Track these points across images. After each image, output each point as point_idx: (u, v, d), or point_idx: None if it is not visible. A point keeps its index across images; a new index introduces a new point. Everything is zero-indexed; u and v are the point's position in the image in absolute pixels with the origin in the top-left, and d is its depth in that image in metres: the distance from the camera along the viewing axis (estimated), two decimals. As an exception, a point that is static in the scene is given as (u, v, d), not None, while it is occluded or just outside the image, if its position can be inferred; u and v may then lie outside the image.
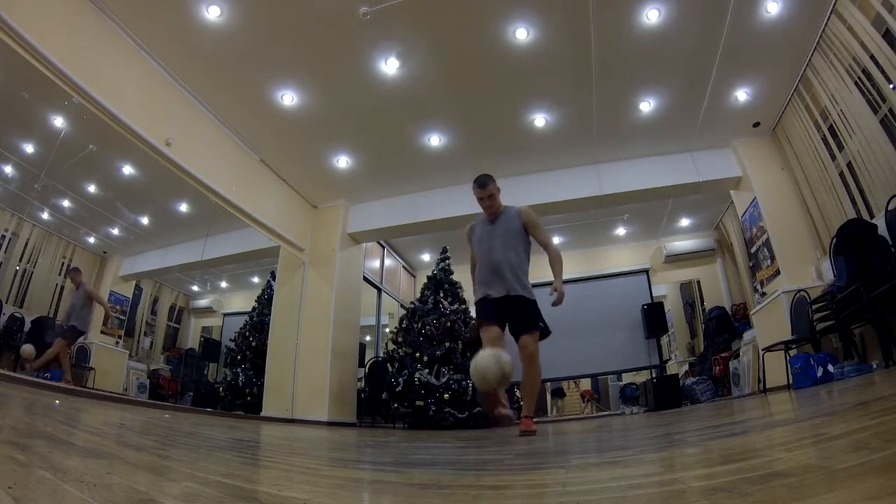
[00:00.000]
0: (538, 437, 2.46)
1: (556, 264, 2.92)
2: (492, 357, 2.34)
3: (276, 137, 5.37)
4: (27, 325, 5.04)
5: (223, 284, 8.17)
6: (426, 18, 3.94)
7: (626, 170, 5.88)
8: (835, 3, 3.91)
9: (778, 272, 5.03)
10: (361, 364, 6.76)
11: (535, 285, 3.00)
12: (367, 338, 7.90)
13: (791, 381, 4.06)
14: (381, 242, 7.82)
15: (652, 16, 3.94)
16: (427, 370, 5.47)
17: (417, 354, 5.60)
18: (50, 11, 3.37)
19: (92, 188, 5.51)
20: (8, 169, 4.65)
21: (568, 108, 5.05)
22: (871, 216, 3.97)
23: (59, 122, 4.42)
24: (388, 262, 8.19)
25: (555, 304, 2.81)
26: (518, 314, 2.85)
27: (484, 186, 2.99)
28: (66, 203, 5.46)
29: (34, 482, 0.65)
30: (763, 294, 5.39)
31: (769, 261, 5.24)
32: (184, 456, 1.21)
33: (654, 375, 6.74)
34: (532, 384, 2.82)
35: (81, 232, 5.85)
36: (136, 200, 5.83)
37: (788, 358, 4.16)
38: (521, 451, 1.62)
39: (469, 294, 6.91)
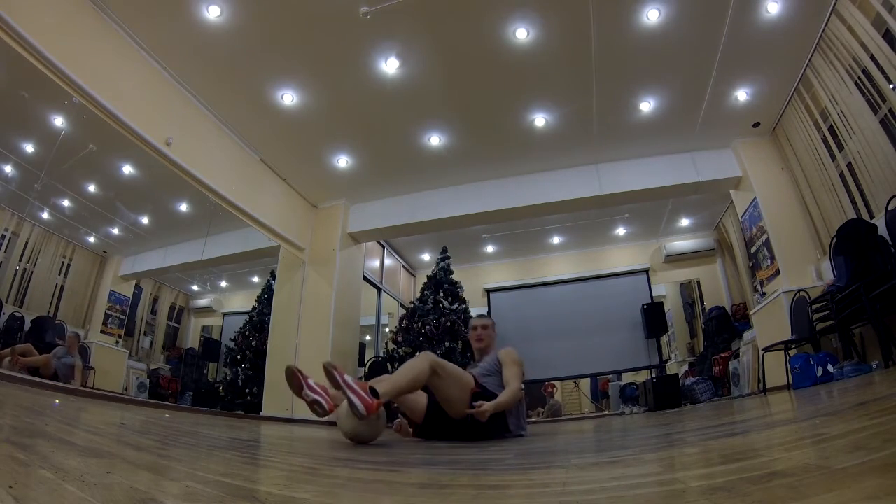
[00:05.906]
0: (537, 437, 2.45)
1: None
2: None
3: (275, 137, 5.37)
4: (27, 325, 5.04)
5: (223, 284, 8.16)
6: (426, 18, 3.94)
7: (626, 170, 5.88)
8: (835, 3, 3.91)
9: (778, 272, 5.03)
10: (361, 364, 6.77)
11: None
12: (367, 337, 7.90)
13: (791, 381, 4.06)
14: (381, 242, 7.82)
15: (652, 16, 3.95)
16: (427, 370, 5.47)
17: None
18: (50, 11, 3.37)
19: (92, 188, 5.51)
20: (8, 168, 4.64)
21: (568, 108, 5.05)
22: (871, 216, 3.97)
23: (59, 121, 4.41)
24: (388, 261, 8.19)
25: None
26: None
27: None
28: (66, 202, 5.46)
29: (35, 482, 0.65)
30: (763, 294, 5.39)
31: (769, 261, 5.24)
32: (184, 455, 1.21)
33: (653, 375, 6.74)
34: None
35: (81, 231, 5.84)
36: (136, 200, 5.83)
37: (788, 358, 4.16)
38: (521, 451, 1.62)
39: (468, 294, 6.95)
